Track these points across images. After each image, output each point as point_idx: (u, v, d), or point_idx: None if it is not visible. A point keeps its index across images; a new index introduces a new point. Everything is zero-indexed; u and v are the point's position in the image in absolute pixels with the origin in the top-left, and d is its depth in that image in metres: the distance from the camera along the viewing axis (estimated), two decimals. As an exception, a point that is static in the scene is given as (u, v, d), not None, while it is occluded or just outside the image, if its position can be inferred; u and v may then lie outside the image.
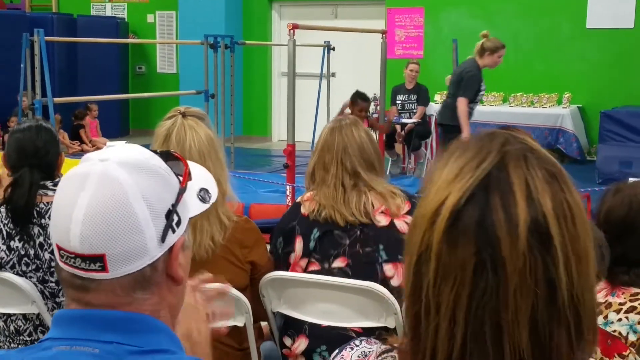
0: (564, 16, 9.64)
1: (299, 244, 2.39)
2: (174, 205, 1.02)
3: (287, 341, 2.40)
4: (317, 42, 9.00)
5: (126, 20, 12.36)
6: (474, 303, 0.78)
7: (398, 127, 8.26)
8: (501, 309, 0.77)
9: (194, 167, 1.13)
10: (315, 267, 2.37)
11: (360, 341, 0.97)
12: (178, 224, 1.03)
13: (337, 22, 10.96)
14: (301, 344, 2.35)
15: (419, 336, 0.82)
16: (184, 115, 2.23)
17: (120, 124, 11.88)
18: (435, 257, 0.80)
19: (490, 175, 0.79)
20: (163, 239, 1.00)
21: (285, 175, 5.70)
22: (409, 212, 2.36)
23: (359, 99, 6.91)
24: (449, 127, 6.21)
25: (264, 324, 2.51)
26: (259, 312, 2.33)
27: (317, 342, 2.32)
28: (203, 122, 2.25)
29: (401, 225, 2.35)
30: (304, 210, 2.41)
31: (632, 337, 1.57)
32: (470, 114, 6.24)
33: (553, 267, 0.77)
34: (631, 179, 2.15)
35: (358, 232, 2.33)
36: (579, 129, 9.33)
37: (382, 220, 2.34)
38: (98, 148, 9.20)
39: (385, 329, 2.27)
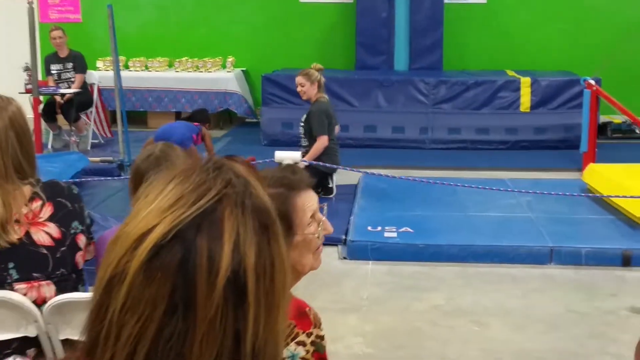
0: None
1: None
2: None
3: None
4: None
5: None
6: (159, 342, 0.75)
7: (58, 98, 7.73)
8: (185, 353, 0.75)
9: None
10: None
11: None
12: None
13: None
14: None
15: (93, 358, 0.79)
16: None
17: None
18: (128, 285, 0.76)
19: (203, 215, 0.76)
20: None
21: None
22: (52, 217, 2.09)
23: None
24: None
25: None
26: None
27: None
28: None
29: (39, 236, 2.07)
30: None
31: None
32: None
33: (243, 320, 0.77)
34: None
35: None
36: (245, 91, 9.64)
37: (15, 232, 2.03)
38: None
39: (26, 338, 2.08)
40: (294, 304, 1.58)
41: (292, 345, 1.55)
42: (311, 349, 1.56)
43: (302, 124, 6.06)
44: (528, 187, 6.19)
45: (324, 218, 1.70)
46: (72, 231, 2.14)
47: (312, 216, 1.65)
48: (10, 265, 2.04)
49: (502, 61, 9.51)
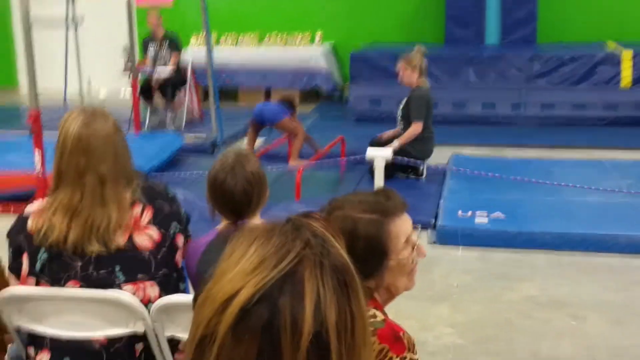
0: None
1: (25, 261, 2.19)
2: None
3: (31, 352, 2.25)
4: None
5: None
6: None
7: (154, 78, 7.97)
8: None
9: None
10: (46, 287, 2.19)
11: None
12: None
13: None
14: (43, 358, 2.21)
15: None
16: None
17: None
18: (218, 346, 0.81)
19: (285, 277, 0.80)
20: None
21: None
22: (152, 220, 2.18)
23: None
24: None
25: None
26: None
27: (60, 355, 2.19)
28: None
29: (142, 240, 2.17)
30: (30, 225, 2.17)
31: None
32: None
33: None
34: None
35: (92, 254, 2.14)
36: (333, 66, 9.64)
37: (119, 238, 2.14)
38: None
39: (135, 334, 2.19)
40: (388, 328, 1.59)
41: None
42: None
43: (401, 109, 6.00)
44: (628, 169, 5.98)
45: (418, 242, 1.71)
46: (172, 232, 2.22)
47: (406, 240, 1.67)
48: (117, 268, 2.15)
49: (601, 32, 9.11)
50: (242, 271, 0.82)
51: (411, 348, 1.59)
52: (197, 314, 0.85)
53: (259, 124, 6.48)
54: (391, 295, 1.71)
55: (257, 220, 2.35)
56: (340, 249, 0.87)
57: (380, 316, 1.62)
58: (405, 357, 1.57)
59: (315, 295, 0.81)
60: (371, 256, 1.63)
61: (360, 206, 1.64)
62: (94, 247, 2.12)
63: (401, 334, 1.59)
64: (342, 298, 0.83)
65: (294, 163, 6.08)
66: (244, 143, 7.54)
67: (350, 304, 0.84)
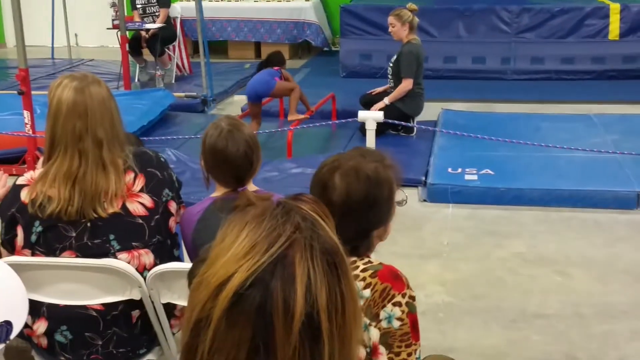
0: None
1: (20, 233, 2.20)
2: None
3: (29, 320, 2.26)
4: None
5: None
6: None
7: (143, 33, 7.88)
8: None
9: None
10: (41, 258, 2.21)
11: None
12: None
13: None
14: (40, 326, 2.25)
15: None
16: None
17: None
18: (213, 330, 0.83)
19: (276, 261, 0.82)
20: None
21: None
22: (145, 188, 2.19)
23: None
24: None
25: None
26: None
27: (57, 323, 2.23)
28: None
29: (135, 207, 2.19)
30: (24, 197, 2.17)
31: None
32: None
33: (319, 355, 0.84)
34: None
35: (87, 223, 2.16)
36: (322, 20, 9.56)
37: (113, 205, 2.16)
38: None
39: (131, 301, 2.23)
40: (386, 269, 1.67)
41: (389, 307, 1.63)
42: (406, 309, 1.64)
43: (391, 65, 6.01)
44: (614, 124, 6.03)
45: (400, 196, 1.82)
46: (164, 199, 2.24)
47: None
48: (111, 237, 2.17)
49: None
50: (234, 256, 0.84)
51: (409, 285, 1.67)
52: (191, 298, 0.88)
53: (257, 102, 6.13)
54: (379, 240, 1.80)
55: (252, 187, 2.38)
56: (329, 230, 0.89)
57: (376, 261, 1.70)
58: (405, 294, 1.65)
59: (306, 277, 0.83)
60: (392, 200, 1.75)
61: (367, 158, 1.74)
62: (98, 213, 2.14)
63: (399, 272, 1.67)
64: (332, 279, 0.85)
65: (293, 117, 6.02)
66: (234, 99, 7.54)
67: (340, 285, 0.86)
